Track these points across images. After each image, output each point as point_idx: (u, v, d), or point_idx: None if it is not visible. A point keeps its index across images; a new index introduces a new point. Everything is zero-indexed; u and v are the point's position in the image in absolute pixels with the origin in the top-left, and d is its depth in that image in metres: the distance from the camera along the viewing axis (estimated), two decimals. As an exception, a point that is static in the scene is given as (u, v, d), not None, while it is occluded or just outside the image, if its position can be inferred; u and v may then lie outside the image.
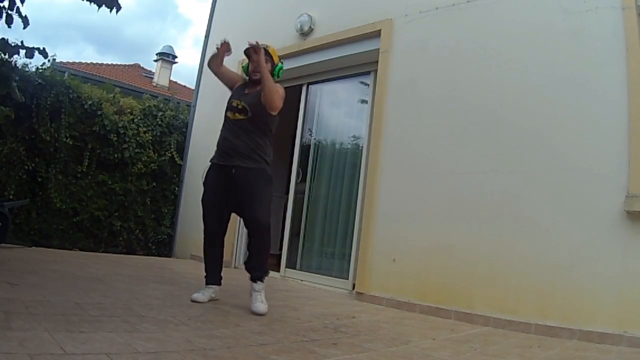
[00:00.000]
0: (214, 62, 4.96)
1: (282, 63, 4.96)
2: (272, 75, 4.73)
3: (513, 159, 5.21)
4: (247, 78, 4.90)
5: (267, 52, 4.75)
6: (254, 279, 4.51)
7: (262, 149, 4.66)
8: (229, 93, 4.77)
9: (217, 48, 4.84)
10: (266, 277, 4.60)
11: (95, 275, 5.51)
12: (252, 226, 4.55)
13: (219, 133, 4.82)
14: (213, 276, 4.73)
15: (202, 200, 4.76)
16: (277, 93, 4.58)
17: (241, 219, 4.89)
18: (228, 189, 4.58)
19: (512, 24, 5.50)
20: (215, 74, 5.07)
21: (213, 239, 4.75)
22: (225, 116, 4.79)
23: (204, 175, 4.80)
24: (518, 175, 5.15)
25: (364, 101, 7.28)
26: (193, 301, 4.42)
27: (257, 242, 4.58)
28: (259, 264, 4.57)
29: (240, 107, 4.66)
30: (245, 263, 4.79)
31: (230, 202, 4.62)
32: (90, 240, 9.47)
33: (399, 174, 6.15)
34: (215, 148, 4.80)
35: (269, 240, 4.58)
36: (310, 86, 8.13)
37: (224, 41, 4.82)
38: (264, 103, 4.56)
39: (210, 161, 4.76)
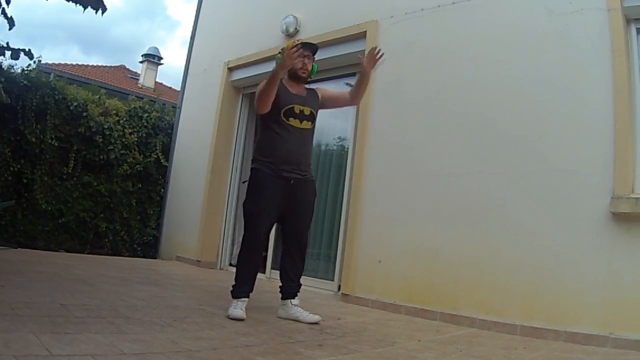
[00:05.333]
0: (270, 99, 4.25)
1: (316, 63, 4.74)
2: (310, 74, 4.63)
3: (498, 161, 5.23)
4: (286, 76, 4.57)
5: (313, 47, 4.63)
6: (292, 295, 4.45)
7: (311, 155, 4.64)
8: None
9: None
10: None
11: (80, 276, 5.50)
12: (297, 247, 4.50)
13: (271, 139, 4.41)
14: (249, 288, 4.37)
15: (251, 208, 4.37)
16: None
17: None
18: (284, 198, 4.34)
19: (497, 25, 5.52)
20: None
21: (258, 249, 4.41)
22: (286, 123, 4.35)
23: (252, 180, 4.47)
24: (504, 177, 5.17)
25: (350, 102, 7.29)
26: (233, 319, 4.05)
27: (298, 260, 4.53)
28: (298, 278, 4.53)
29: (307, 113, 4.46)
30: (281, 280, 4.54)
31: (280, 212, 4.42)
32: (76, 242, 9.44)
33: (384, 175, 6.16)
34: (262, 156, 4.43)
35: (305, 257, 4.61)
36: (296, 87, 8.05)
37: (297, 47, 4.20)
38: (351, 102, 4.83)
39: (265, 169, 4.36)
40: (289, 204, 4.38)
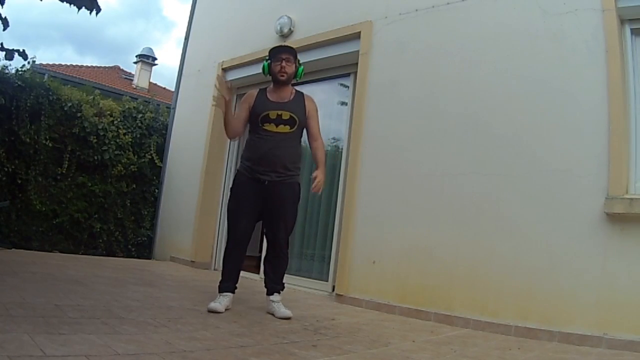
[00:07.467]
0: (230, 127, 4.73)
1: (302, 65, 4.88)
2: (295, 76, 4.77)
3: (493, 161, 5.24)
4: (271, 84, 4.84)
5: (292, 51, 4.76)
6: (271, 292, 4.67)
7: (299, 158, 4.81)
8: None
9: (216, 101, 4.65)
10: (282, 291, 4.77)
11: (75, 277, 5.48)
12: (274, 245, 4.70)
13: (250, 143, 4.74)
14: (232, 284, 4.60)
15: (230, 207, 4.70)
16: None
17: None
18: (260, 198, 4.57)
19: (491, 26, 5.53)
20: (240, 133, 4.93)
21: (238, 245, 4.62)
22: (261, 128, 4.60)
23: (233, 182, 4.83)
24: (498, 177, 5.17)
25: (343, 103, 7.28)
26: (210, 311, 4.26)
27: (275, 259, 4.74)
28: (278, 278, 4.75)
29: (286, 117, 4.58)
30: (264, 277, 4.84)
31: (259, 211, 4.64)
32: (70, 242, 9.41)
33: (378, 176, 6.16)
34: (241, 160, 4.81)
35: (287, 258, 4.79)
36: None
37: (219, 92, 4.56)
38: (310, 142, 4.83)
39: (243, 171, 4.69)
40: (265, 205, 4.59)
